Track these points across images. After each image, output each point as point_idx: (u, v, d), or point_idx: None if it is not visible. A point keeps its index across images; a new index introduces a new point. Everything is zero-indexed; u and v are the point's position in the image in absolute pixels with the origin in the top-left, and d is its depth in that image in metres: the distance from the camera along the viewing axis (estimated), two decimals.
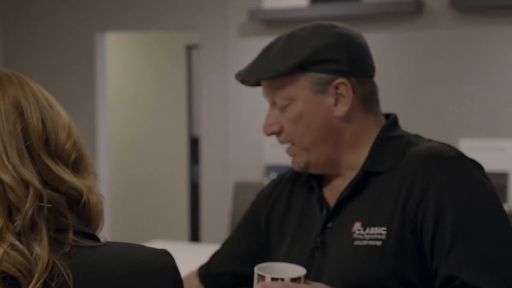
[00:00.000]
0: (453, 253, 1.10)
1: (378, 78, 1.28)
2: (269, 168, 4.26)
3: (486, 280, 1.08)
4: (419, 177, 1.15)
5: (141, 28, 4.63)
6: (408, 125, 1.39)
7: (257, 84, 1.28)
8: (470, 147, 3.38)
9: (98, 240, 0.89)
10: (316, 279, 1.18)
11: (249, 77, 1.24)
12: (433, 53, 3.65)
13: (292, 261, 1.19)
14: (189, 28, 4.50)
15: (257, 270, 1.12)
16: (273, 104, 1.26)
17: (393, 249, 1.14)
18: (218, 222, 4.54)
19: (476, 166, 1.18)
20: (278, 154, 3.93)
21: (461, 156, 1.18)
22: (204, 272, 1.42)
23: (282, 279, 1.08)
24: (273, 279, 1.09)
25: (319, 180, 1.30)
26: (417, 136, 1.27)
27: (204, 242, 4.50)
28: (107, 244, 0.88)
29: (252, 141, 4.28)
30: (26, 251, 0.80)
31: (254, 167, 4.38)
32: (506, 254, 1.10)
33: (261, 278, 1.10)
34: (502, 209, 1.14)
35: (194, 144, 5.70)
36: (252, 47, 3.59)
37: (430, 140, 1.25)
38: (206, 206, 4.60)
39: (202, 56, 4.40)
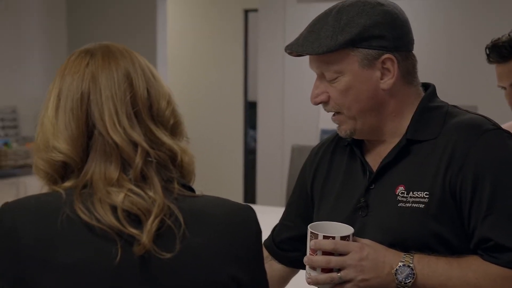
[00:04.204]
0: (489, 217, 1.20)
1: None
2: (324, 133, 4.28)
3: None
4: (460, 147, 1.24)
5: None
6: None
7: (301, 54, 1.36)
8: None
9: (195, 192, 1.03)
10: (358, 235, 1.28)
11: (301, 51, 1.32)
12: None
13: (335, 220, 1.30)
14: None
15: (310, 228, 1.23)
16: (321, 75, 1.34)
17: (435, 211, 1.23)
18: (274, 185, 4.62)
19: (511, 137, 1.28)
20: None
21: (498, 128, 1.28)
22: (268, 243, 1.56)
23: (333, 237, 1.20)
24: (325, 237, 1.20)
25: (361, 146, 1.40)
26: (455, 106, 1.37)
27: (259, 204, 4.59)
28: (203, 196, 1.03)
29: (308, 105, 4.30)
30: (143, 193, 0.94)
31: (310, 131, 4.42)
32: None
33: (314, 235, 1.21)
34: None
35: (250, 108, 5.75)
36: (310, 12, 3.59)
37: (467, 112, 1.35)
38: (262, 170, 4.68)
39: (260, 20, 4.42)
